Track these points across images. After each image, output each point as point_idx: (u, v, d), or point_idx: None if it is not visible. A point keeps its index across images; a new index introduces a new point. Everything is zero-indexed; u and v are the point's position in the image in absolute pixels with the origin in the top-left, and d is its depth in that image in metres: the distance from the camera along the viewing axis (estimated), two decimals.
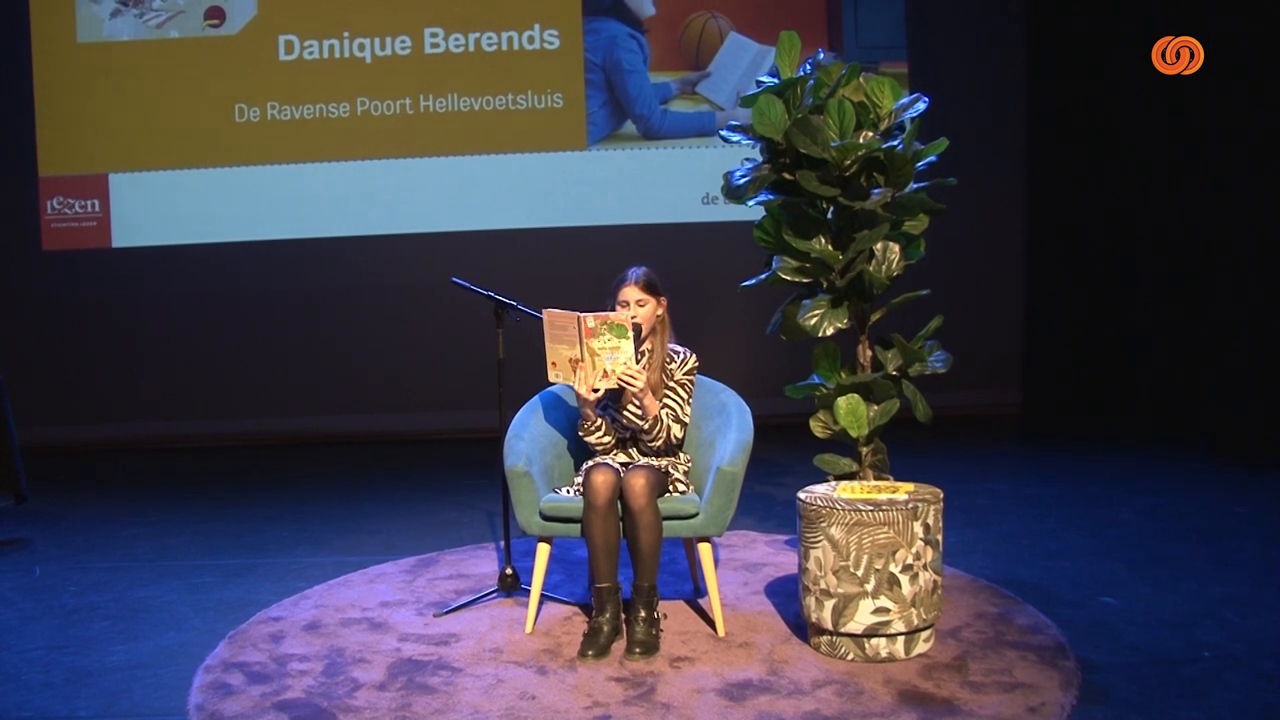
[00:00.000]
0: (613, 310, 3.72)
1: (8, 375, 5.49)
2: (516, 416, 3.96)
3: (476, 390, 6.63)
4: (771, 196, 3.93)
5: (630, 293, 3.74)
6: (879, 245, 3.85)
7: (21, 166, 7.77)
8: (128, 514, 5.76)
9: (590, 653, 3.43)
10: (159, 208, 7.80)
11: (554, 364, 3.63)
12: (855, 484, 3.61)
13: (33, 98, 7.75)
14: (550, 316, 3.59)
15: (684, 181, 7.76)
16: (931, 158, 3.87)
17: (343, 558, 4.73)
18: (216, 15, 7.77)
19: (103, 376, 7.85)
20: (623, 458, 3.78)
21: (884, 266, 3.87)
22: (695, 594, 4.02)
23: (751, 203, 3.97)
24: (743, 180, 3.98)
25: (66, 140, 7.78)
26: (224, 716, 3.10)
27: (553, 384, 3.75)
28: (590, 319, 3.52)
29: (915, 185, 3.88)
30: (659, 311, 3.78)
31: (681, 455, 3.84)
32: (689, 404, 3.79)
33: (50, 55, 7.75)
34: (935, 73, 7.57)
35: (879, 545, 3.29)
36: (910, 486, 3.51)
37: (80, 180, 7.81)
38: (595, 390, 3.61)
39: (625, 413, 3.75)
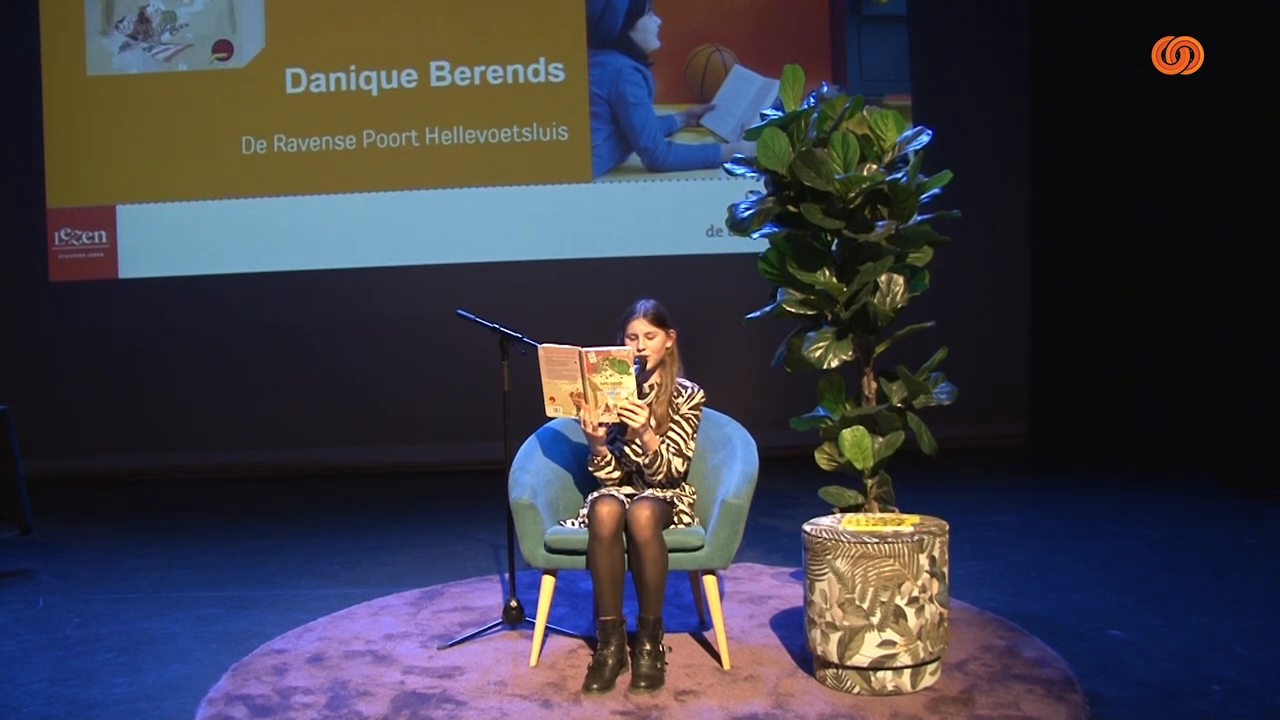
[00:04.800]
0: (621, 342, 3.72)
1: (14, 405, 5.51)
2: (521, 448, 3.96)
3: (482, 422, 6.63)
4: (776, 229, 3.95)
5: (639, 325, 3.74)
6: (883, 277, 3.86)
7: (30, 198, 7.82)
8: (132, 545, 5.75)
9: (595, 686, 3.41)
10: (166, 239, 7.84)
11: (552, 399, 3.63)
12: (860, 516, 3.60)
13: (42, 129, 7.82)
14: (547, 352, 3.58)
15: (688, 214, 7.79)
16: (935, 190, 3.88)
17: (347, 590, 4.72)
18: (225, 48, 7.84)
19: (109, 407, 7.86)
20: (628, 489, 3.77)
21: (888, 299, 3.88)
22: (700, 627, 4.00)
23: (756, 235, 3.99)
24: (747, 213, 3.99)
25: (75, 172, 7.84)
26: None
27: (550, 419, 3.76)
28: (592, 354, 3.52)
29: (919, 217, 3.89)
30: (668, 344, 3.78)
31: (686, 487, 3.83)
32: (693, 438, 3.79)
33: (60, 88, 7.82)
34: (939, 105, 7.61)
35: (885, 578, 3.27)
36: (916, 518, 3.50)
37: (88, 212, 7.86)
38: (601, 425, 3.61)
39: (628, 448, 3.75)
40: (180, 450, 7.88)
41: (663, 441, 3.72)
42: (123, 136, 7.82)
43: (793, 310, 3.95)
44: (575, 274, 7.78)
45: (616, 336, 3.77)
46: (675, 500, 3.72)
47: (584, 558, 3.57)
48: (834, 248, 3.94)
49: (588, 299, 7.50)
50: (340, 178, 7.83)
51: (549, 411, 3.66)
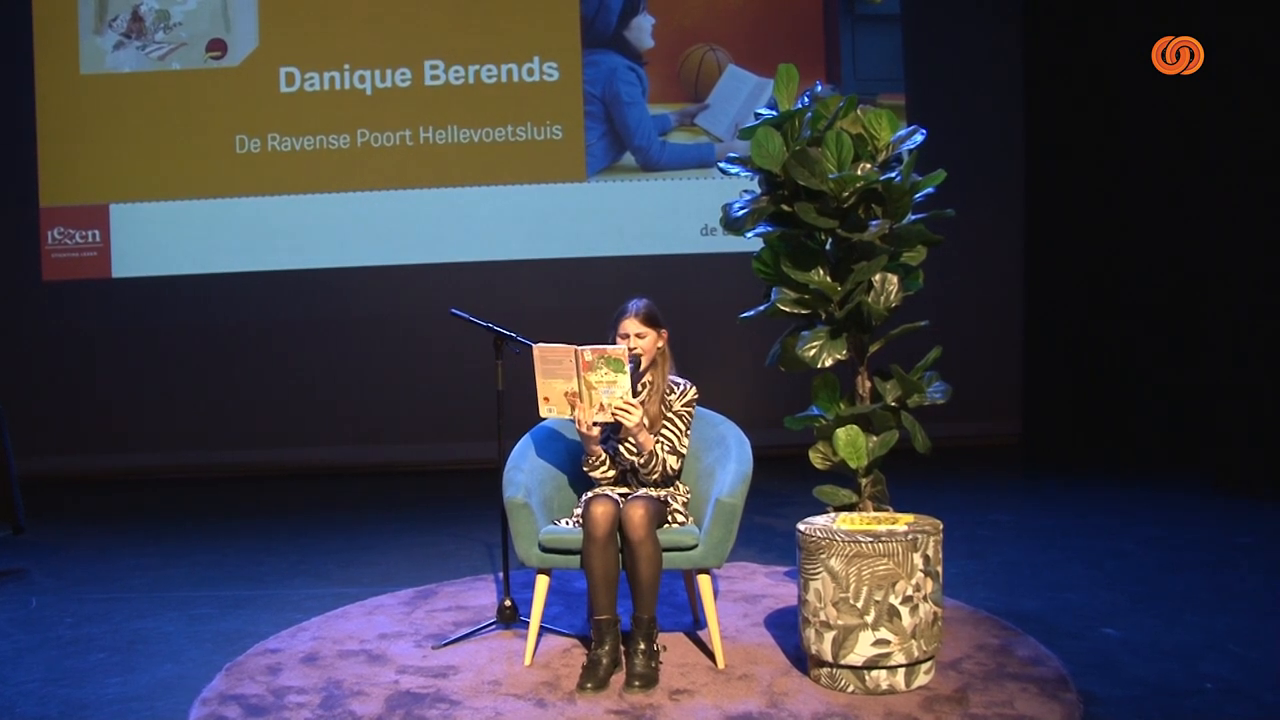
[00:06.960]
0: (613, 342, 3.72)
1: (7, 405, 5.48)
2: (515, 448, 3.96)
3: (476, 421, 6.63)
4: (770, 228, 3.95)
5: (630, 325, 3.74)
6: (877, 277, 3.87)
7: (23, 197, 7.81)
8: (125, 545, 5.74)
9: (589, 685, 3.41)
10: (159, 238, 7.83)
11: (546, 399, 3.62)
12: (855, 515, 3.60)
13: (35, 128, 7.80)
14: (541, 351, 3.58)
15: (683, 213, 7.79)
16: (929, 189, 3.89)
17: (341, 589, 4.71)
18: (218, 47, 7.83)
19: (102, 407, 7.85)
20: (622, 489, 3.77)
21: (882, 298, 3.88)
22: (695, 626, 4.00)
23: (750, 234, 3.99)
24: (741, 212, 3.99)
25: (68, 171, 7.82)
26: None
27: (544, 419, 3.76)
28: (587, 352, 3.52)
29: (913, 217, 3.90)
30: (659, 344, 3.78)
31: (680, 486, 3.83)
32: (686, 435, 3.78)
33: (53, 86, 7.80)
34: (933, 104, 7.62)
35: (879, 577, 3.27)
36: (910, 518, 3.50)
37: (81, 211, 7.84)
38: (595, 424, 3.61)
39: (623, 447, 3.74)
40: (173, 450, 7.87)
41: (657, 440, 3.72)
42: (116, 135, 7.81)
43: (787, 309, 3.95)
44: (569, 273, 7.78)
45: (608, 336, 3.77)
46: (669, 499, 3.71)
47: (578, 557, 3.56)
48: (828, 247, 3.94)
49: (582, 298, 7.49)
50: (334, 177, 7.82)
51: (543, 412, 3.65)
